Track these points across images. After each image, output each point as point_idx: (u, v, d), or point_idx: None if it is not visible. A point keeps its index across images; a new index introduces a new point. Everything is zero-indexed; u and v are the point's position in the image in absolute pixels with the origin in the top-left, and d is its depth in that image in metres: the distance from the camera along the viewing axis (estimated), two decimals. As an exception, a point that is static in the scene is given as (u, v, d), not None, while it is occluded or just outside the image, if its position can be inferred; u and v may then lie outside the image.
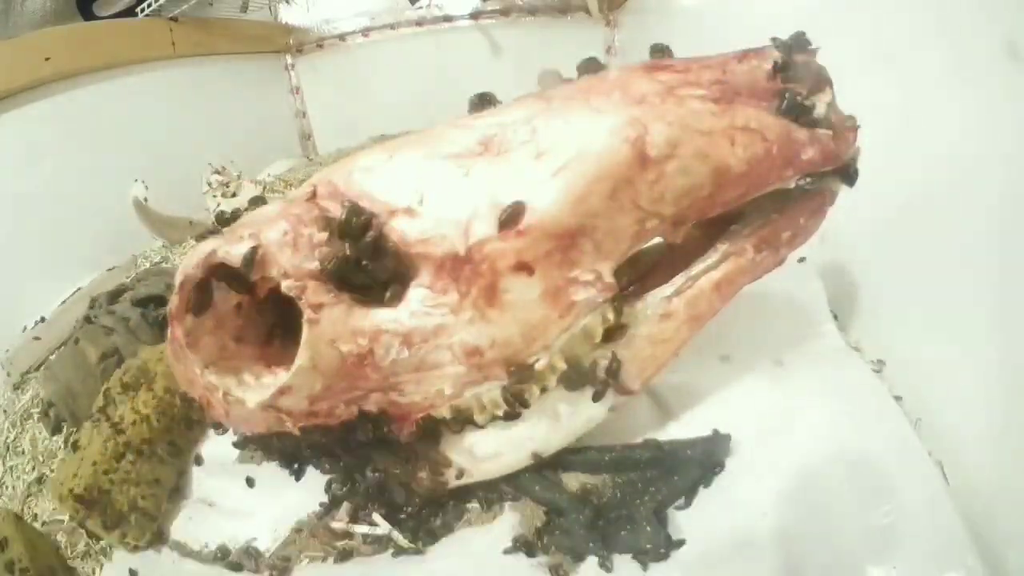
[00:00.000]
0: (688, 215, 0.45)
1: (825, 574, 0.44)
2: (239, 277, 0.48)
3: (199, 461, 0.64)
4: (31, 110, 1.00)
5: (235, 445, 0.61)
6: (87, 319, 0.79)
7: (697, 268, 0.49)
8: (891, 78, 0.58)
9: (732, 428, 0.51)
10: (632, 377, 0.49)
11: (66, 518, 0.61)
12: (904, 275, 0.59)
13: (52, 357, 0.89)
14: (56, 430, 0.74)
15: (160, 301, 0.79)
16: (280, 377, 0.48)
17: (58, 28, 1.12)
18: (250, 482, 0.59)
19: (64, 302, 0.98)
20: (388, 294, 0.45)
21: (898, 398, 0.54)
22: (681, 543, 0.45)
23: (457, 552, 0.50)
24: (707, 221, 0.48)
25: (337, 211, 0.46)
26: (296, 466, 0.58)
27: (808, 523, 0.45)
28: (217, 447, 0.64)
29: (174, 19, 1.29)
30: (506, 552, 0.48)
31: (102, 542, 0.59)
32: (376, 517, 0.53)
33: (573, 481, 0.52)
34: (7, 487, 0.71)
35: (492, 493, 0.53)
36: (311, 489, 0.57)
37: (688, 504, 0.48)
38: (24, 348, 0.90)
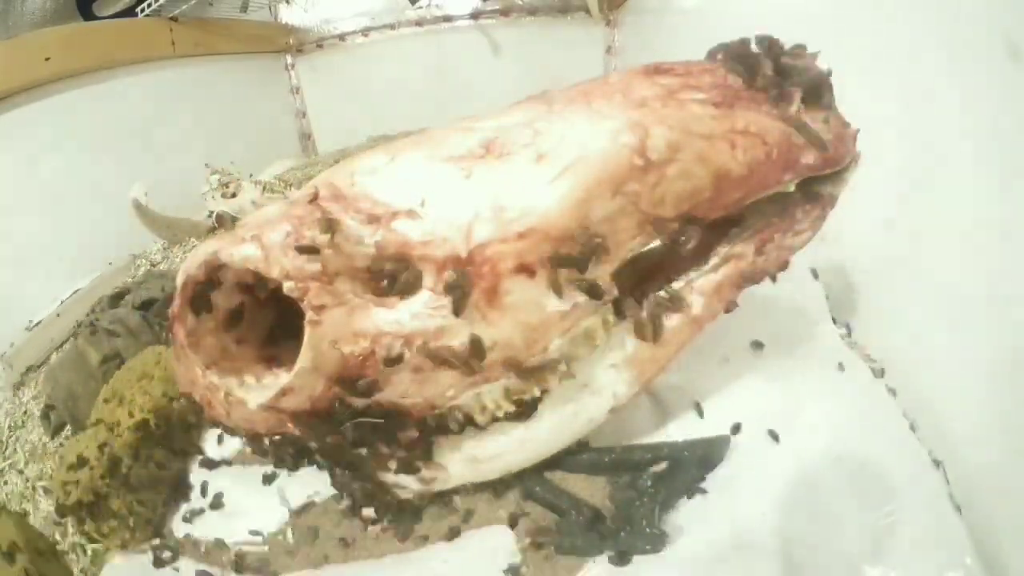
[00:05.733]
0: (688, 218, 0.45)
1: (825, 574, 0.44)
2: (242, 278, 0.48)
3: (197, 462, 0.64)
4: (31, 110, 1.00)
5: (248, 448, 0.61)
6: (89, 322, 0.79)
7: (697, 271, 0.49)
8: (891, 79, 0.58)
9: (732, 429, 0.51)
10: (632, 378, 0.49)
11: (66, 520, 0.61)
12: (904, 275, 0.59)
13: (53, 358, 0.89)
14: (57, 432, 0.74)
15: (161, 304, 0.80)
16: (281, 378, 0.48)
17: (58, 28, 1.12)
18: (248, 482, 0.60)
19: (64, 302, 0.98)
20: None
21: (897, 397, 0.54)
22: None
23: (457, 553, 0.50)
24: (707, 224, 0.48)
25: (339, 213, 0.46)
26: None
27: (808, 523, 0.45)
28: (216, 448, 0.64)
29: (174, 19, 1.29)
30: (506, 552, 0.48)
31: (101, 544, 0.59)
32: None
33: (573, 482, 0.52)
34: (7, 486, 0.71)
35: (492, 494, 0.53)
36: (310, 488, 0.57)
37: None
38: (24, 347, 0.90)
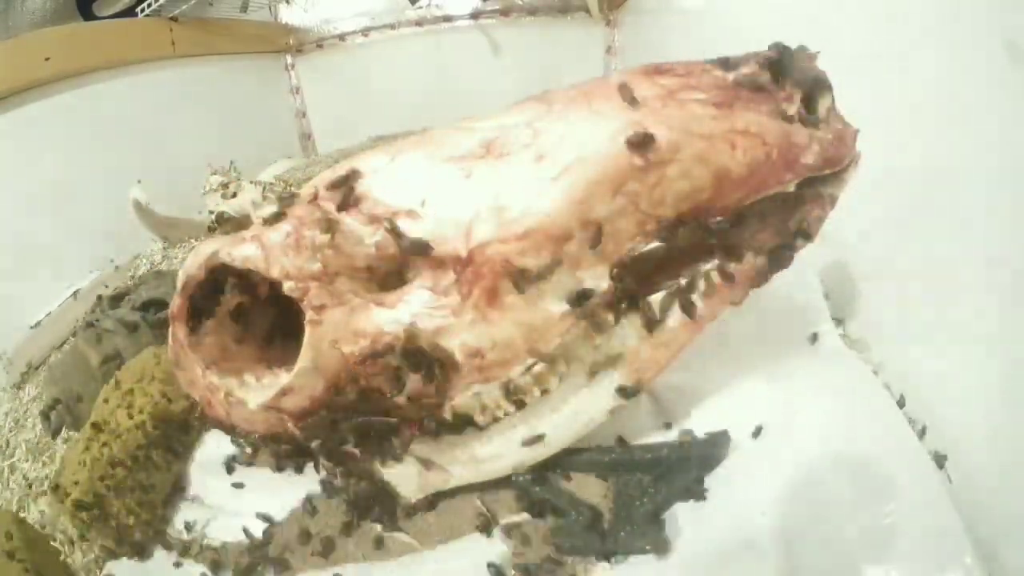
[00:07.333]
0: (688, 218, 0.45)
1: (825, 574, 0.44)
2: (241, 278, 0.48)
3: (196, 463, 0.64)
4: (31, 110, 1.00)
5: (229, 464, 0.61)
6: (89, 322, 0.79)
7: (697, 271, 0.49)
8: (891, 78, 0.58)
9: (732, 428, 0.51)
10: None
11: (65, 520, 0.61)
12: (904, 276, 0.59)
13: (53, 359, 0.89)
14: (57, 432, 0.74)
15: (161, 304, 0.80)
16: (281, 378, 0.48)
17: (58, 28, 1.12)
18: (243, 485, 0.60)
19: (64, 302, 0.98)
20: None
21: (899, 399, 0.54)
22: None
23: (457, 553, 0.50)
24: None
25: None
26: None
27: (808, 523, 0.45)
28: (215, 448, 0.64)
29: (174, 19, 1.29)
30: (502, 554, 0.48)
31: (101, 545, 0.59)
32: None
33: (573, 482, 0.52)
34: (7, 486, 0.71)
35: (492, 494, 0.53)
36: (309, 489, 0.57)
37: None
38: (24, 347, 0.90)
